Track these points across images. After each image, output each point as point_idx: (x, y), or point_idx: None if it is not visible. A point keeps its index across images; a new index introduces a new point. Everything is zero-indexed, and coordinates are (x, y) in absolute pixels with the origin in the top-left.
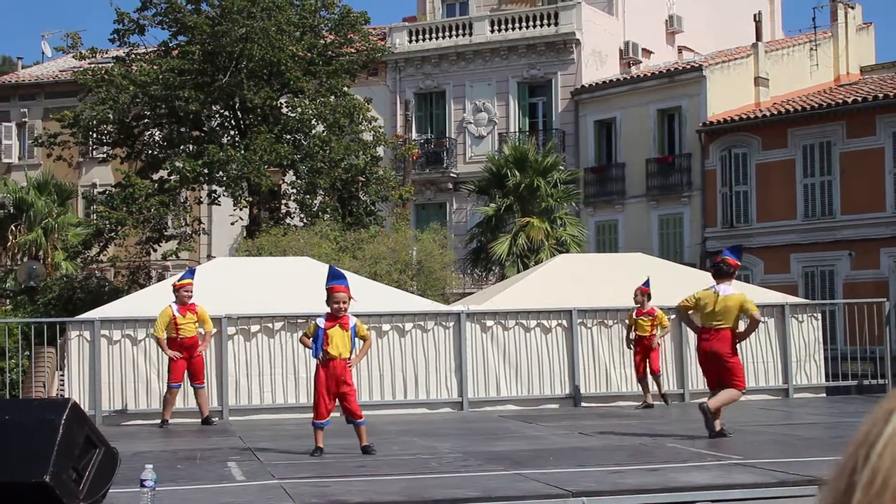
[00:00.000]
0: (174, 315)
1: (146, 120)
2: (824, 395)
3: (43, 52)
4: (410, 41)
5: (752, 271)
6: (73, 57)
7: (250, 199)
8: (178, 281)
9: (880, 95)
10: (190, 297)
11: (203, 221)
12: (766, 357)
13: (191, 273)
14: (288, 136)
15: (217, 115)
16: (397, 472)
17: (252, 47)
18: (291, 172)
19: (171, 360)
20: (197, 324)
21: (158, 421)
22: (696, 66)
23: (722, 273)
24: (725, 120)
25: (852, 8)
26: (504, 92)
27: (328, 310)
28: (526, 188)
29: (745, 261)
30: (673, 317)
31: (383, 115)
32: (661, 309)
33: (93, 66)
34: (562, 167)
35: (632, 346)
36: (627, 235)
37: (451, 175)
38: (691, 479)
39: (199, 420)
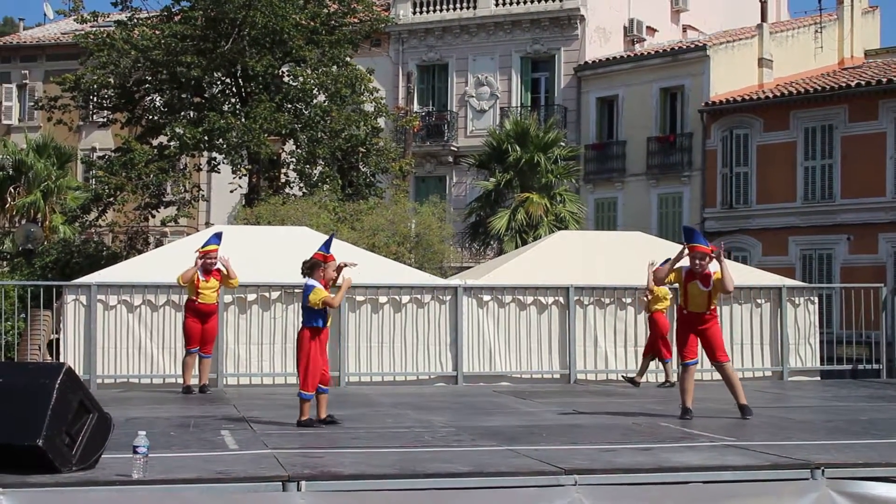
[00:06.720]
0: (198, 279)
1: (147, 85)
2: (818, 378)
3: (45, 14)
4: (414, 13)
5: (749, 253)
6: (75, 20)
7: (250, 168)
8: (203, 247)
9: (884, 80)
10: (214, 264)
11: (202, 188)
12: (761, 339)
13: (217, 238)
14: (289, 105)
15: (218, 82)
16: (390, 444)
17: (255, 14)
18: (291, 141)
19: (186, 325)
20: (217, 291)
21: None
22: (700, 45)
23: None
24: (728, 100)
25: None
26: (507, 66)
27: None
28: (526, 163)
29: (743, 242)
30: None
31: (385, 87)
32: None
33: (94, 29)
34: (563, 143)
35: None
36: (626, 213)
37: (452, 148)
38: (684, 460)
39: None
